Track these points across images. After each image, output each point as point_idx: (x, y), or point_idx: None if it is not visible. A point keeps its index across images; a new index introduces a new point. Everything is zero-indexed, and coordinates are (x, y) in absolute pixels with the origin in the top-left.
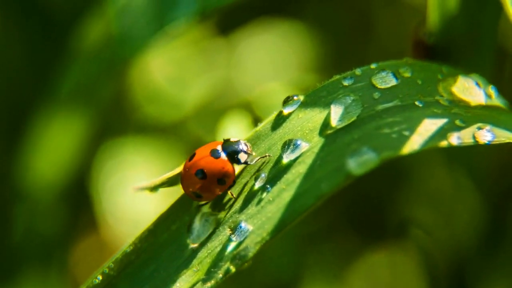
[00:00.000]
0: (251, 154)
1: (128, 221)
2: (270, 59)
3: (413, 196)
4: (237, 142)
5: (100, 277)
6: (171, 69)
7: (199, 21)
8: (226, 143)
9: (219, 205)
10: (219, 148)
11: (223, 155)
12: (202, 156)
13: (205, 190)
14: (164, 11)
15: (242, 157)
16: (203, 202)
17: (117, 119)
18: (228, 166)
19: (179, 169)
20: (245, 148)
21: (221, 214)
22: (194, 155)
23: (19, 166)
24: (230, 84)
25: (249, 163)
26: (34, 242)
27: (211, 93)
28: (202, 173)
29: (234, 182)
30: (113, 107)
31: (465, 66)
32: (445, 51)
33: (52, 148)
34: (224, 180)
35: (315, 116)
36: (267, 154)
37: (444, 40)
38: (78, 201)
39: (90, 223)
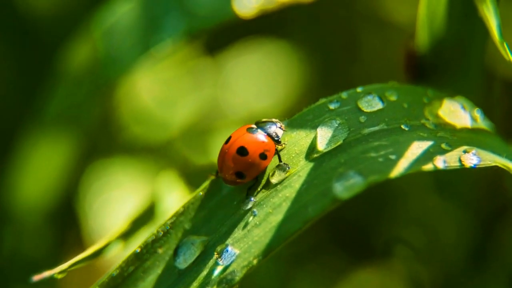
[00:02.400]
0: (284, 131)
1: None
2: (257, 79)
3: (400, 215)
4: (270, 120)
5: None
6: (158, 89)
7: (186, 42)
8: (260, 122)
9: (206, 228)
10: (255, 126)
11: (261, 131)
12: (240, 135)
13: (249, 167)
14: (150, 33)
15: (278, 132)
16: (249, 184)
17: (104, 139)
18: (267, 140)
19: (86, 252)
20: (278, 125)
21: (208, 238)
22: (230, 138)
23: (6, 188)
24: (217, 104)
25: (281, 142)
26: (21, 262)
27: (198, 113)
28: (243, 150)
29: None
30: (100, 127)
31: (453, 87)
32: (435, 68)
33: (39, 169)
34: (266, 154)
35: (301, 140)
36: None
37: (433, 60)
38: (65, 221)
39: (77, 243)
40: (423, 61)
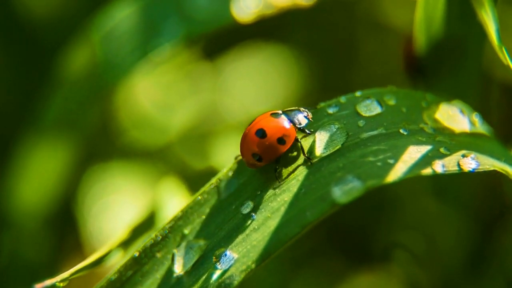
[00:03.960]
0: (311, 120)
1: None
2: (255, 84)
3: (399, 219)
4: (298, 108)
5: None
6: (156, 94)
7: (184, 47)
8: (288, 110)
9: (204, 232)
10: (280, 111)
11: (284, 116)
12: (263, 118)
13: (265, 150)
14: (149, 38)
15: (302, 120)
16: (277, 166)
17: (102, 144)
18: (288, 125)
19: (87, 261)
20: (304, 113)
21: (207, 242)
22: (253, 121)
23: (4, 192)
24: (216, 109)
25: (306, 131)
26: (19, 267)
27: (196, 118)
28: (262, 132)
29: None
30: (98, 131)
31: (451, 90)
32: (433, 69)
33: (38, 174)
34: (284, 139)
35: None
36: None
37: (431, 62)
38: (64, 226)
39: (76, 247)
40: (422, 62)
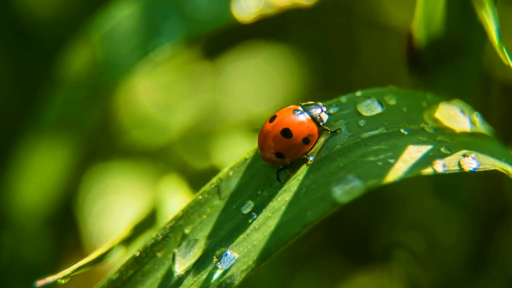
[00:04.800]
0: (331, 115)
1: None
2: (256, 83)
3: (399, 219)
4: (316, 104)
5: None
6: (157, 93)
7: (185, 46)
8: (306, 105)
9: (205, 232)
10: (301, 109)
11: (307, 115)
12: (286, 115)
13: (290, 149)
14: (149, 38)
15: (324, 117)
16: (281, 166)
17: (103, 144)
18: (312, 125)
19: (89, 258)
20: (324, 109)
21: (207, 242)
22: (275, 116)
23: (5, 192)
24: (216, 108)
25: (328, 129)
26: (20, 267)
27: (197, 117)
28: (288, 132)
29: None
30: (99, 131)
31: (452, 90)
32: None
33: (38, 174)
34: (309, 139)
35: None
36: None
37: (432, 59)
38: (64, 226)
39: (76, 247)
40: (422, 58)
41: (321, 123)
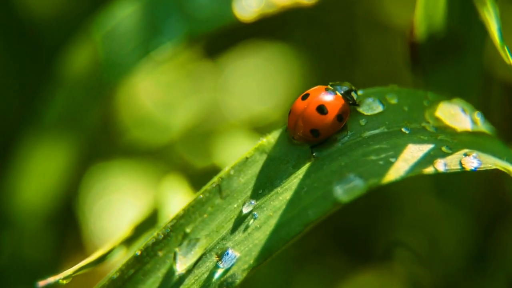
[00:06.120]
0: (359, 95)
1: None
2: (257, 82)
3: (400, 218)
4: (345, 83)
5: None
6: (158, 92)
7: (186, 46)
8: (335, 84)
9: (206, 231)
10: (332, 87)
11: (338, 93)
12: (319, 93)
13: (325, 126)
14: (150, 37)
15: (354, 95)
16: (315, 143)
17: (104, 143)
18: (345, 102)
19: (91, 258)
20: (354, 88)
21: (208, 241)
22: (307, 94)
23: (6, 191)
24: (218, 107)
25: (358, 107)
26: (21, 266)
27: (198, 116)
28: (323, 109)
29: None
30: (100, 130)
31: (453, 88)
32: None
33: (39, 173)
34: (342, 116)
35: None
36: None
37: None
38: (65, 225)
39: (77, 246)
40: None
41: (351, 102)
